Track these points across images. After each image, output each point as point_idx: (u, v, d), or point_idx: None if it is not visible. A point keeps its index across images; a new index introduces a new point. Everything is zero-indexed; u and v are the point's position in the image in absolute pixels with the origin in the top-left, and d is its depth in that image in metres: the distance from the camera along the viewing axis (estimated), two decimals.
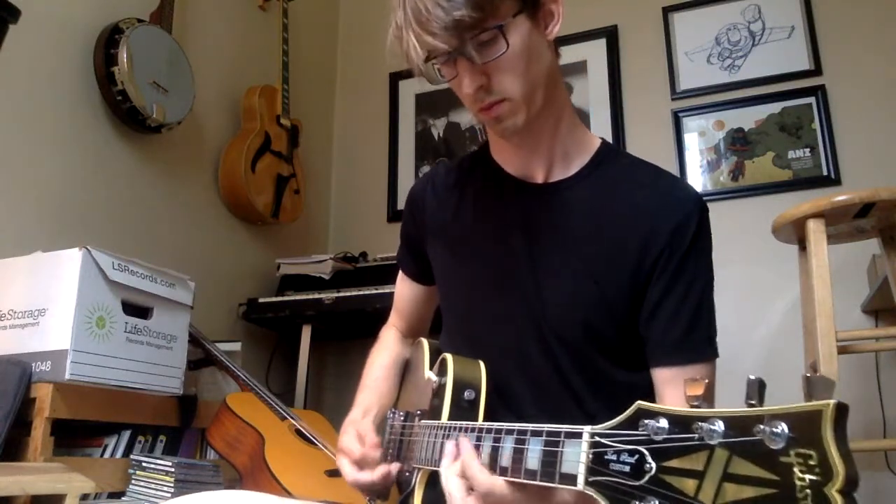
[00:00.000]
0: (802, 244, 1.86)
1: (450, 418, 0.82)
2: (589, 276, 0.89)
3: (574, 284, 0.90)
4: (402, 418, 0.96)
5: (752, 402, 0.39)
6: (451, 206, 1.03)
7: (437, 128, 2.94)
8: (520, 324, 0.93)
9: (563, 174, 0.95)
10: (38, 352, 1.38)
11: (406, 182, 2.88)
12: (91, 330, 1.41)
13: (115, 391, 1.48)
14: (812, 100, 2.40)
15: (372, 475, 0.89)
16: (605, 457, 0.47)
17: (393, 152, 2.99)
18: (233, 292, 2.39)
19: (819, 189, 2.29)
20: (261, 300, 2.38)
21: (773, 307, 2.29)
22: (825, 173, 2.34)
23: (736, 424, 0.39)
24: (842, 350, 1.63)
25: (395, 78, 3.03)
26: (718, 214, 2.33)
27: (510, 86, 0.84)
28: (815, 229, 1.68)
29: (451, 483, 0.68)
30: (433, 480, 0.81)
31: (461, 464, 0.68)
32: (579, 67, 2.74)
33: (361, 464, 0.91)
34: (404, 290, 1.18)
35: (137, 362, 1.52)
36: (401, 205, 2.71)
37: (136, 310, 1.55)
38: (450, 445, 0.71)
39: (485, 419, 0.84)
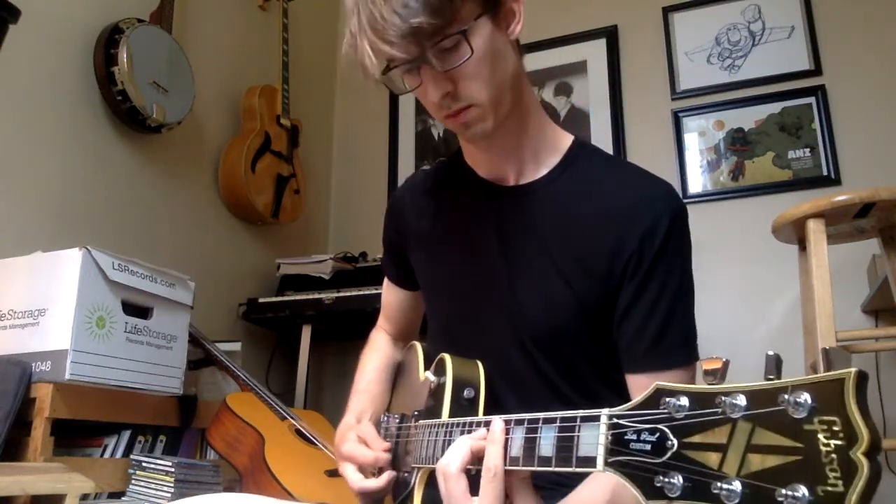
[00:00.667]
0: (802, 244, 1.86)
1: (450, 416, 0.82)
2: (562, 278, 0.88)
3: (548, 287, 0.88)
4: (397, 421, 0.96)
5: (771, 376, 0.39)
6: (429, 212, 1.03)
7: (437, 128, 2.94)
8: (498, 327, 0.92)
9: (533, 175, 0.94)
10: (38, 352, 1.37)
11: None
12: (91, 330, 1.41)
13: (115, 391, 1.47)
14: (812, 100, 2.41)
15: (379, 482, 0.86)
16: (625, 437, 0.47)
17: (393, 152, 2.99)
18: (233, 292, 2.39)
19: (819, 189, 2.29)
20: (261, 300, 2.37)
21: (773, 307, 2.29)
22: (825, 173, 2.34)
23: (759, 397, 0.39)
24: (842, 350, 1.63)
25: None
26: (718, 214, 2.41)
27: (477, 91, 0.81)
28: (815, 229, 1.68)
29: (458, 447, 0.67)
30: (433, 480, 0.80)
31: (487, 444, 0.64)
32: (579, 67, 2.74)
33: (369, 469, 0.90)
34: (391, 296, 1.18)
35: (137, 362, 1.52)
36: None
37: (136, 310, 1.55)
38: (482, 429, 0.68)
39: None
